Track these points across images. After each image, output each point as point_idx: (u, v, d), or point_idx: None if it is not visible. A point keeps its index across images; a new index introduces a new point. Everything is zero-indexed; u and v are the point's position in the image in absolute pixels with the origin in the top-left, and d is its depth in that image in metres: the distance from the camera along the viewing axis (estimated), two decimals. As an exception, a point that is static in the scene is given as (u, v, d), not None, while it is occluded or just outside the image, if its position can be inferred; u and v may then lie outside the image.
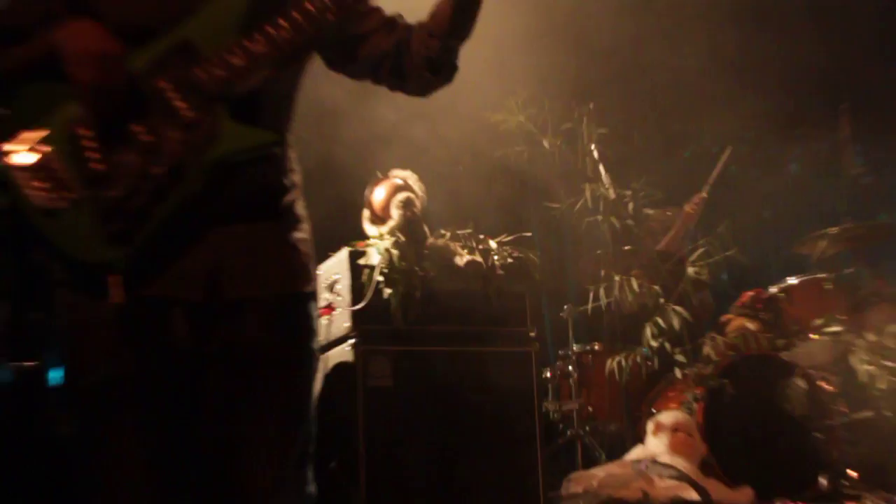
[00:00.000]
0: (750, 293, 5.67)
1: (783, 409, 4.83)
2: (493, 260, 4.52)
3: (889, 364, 4.83)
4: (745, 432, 4.81)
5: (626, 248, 5.56)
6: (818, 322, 5.24)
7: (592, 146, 5.40)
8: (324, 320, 4.45)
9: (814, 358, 5.15)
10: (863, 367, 4.91)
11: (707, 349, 5.19)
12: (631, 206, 5.35)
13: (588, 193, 5.32)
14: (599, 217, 5.31)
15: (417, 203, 4.63)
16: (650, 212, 5.56)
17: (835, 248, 5.67)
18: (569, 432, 5.52)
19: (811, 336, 5.26)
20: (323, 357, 4.41)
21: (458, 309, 4.42)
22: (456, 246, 4.55)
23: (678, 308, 5.07)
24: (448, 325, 4.39)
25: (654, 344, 5.04)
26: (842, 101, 5.74)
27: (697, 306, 5.27)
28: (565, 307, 5.87)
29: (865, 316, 5.18)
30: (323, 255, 4.52)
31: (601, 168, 5.40)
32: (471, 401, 4.34)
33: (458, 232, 4.64)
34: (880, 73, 6.75)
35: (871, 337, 5.01)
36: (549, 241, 6.56)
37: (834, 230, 5.57)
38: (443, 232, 4.67)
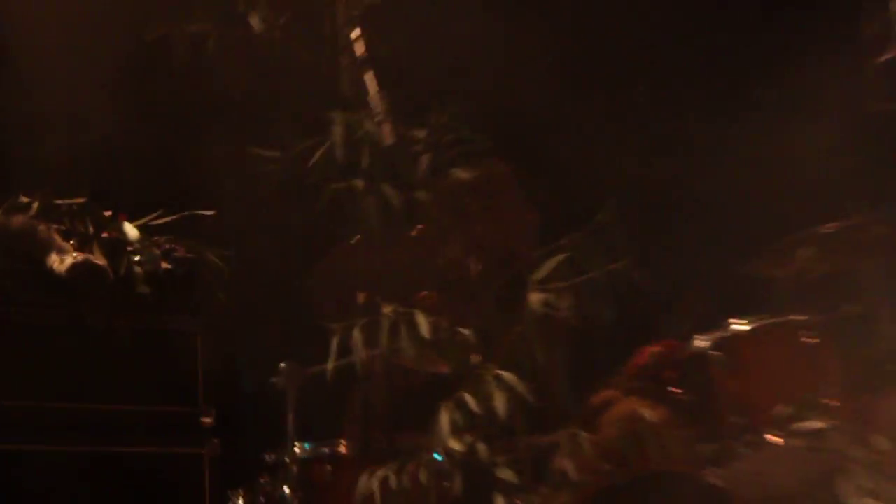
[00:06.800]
0: (653, 349, 4.27)
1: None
2: (130, 262, 3.42)
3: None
4: None
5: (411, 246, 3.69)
6: (785, 411, 3.91)
7: (354, 33, 3.40)
8: None
9: (774, 481, 3.85)
10: (860, 501, 3.59)
11: (562, 458, 3.42)
12: (426, 160, 3.32)
13: (337, 133, 3.23)
14: (359, 183, 3.28)
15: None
16: (463, 176, 3.35)
17: (826, 262, 4.24)
18: None
19: (769, 437, 3.91)
20: None
21: (52, 366, 3.29)
22: (52, 231, 3.43)
23: (505, 374, 3.27)
24: (24, 399, 3.25)
25: (456, 445, 3.32)
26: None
27: (547, 370, 3.59)
28: (281, 366, 4.06)
29: (878, 402, 3.87)
30: None
31: (369, 80, 3.36)
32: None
33: (60, 202, 3.49)
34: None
35: (883, 444, 3.69)
36: (254, 229, 4.62)
37: (831, 227, 4.11)
38: (25, 200, 3.56)
